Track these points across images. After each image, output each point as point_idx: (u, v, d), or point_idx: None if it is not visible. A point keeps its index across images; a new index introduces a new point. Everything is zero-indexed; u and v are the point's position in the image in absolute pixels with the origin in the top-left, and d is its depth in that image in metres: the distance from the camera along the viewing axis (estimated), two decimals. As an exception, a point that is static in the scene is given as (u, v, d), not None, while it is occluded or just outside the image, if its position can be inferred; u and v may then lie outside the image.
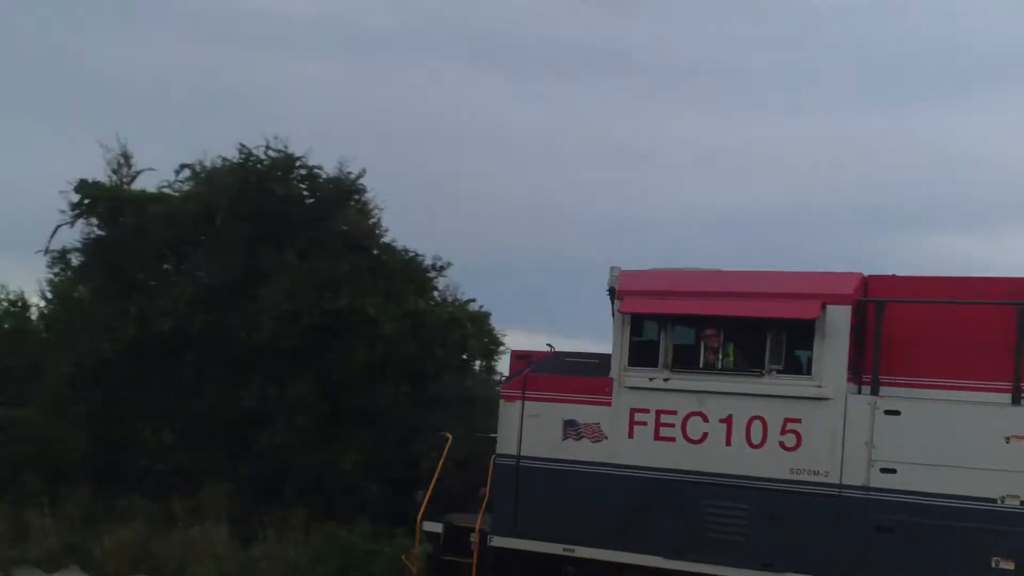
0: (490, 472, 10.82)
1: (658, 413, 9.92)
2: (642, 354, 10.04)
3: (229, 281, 15.23)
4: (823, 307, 9.32)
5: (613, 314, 10.24)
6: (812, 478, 9.26)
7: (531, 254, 32.03)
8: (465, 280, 17.95)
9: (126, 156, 17.85)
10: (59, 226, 17.39)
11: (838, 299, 9.36)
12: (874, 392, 9.20)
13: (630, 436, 10.00)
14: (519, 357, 11.45)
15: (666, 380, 9.87)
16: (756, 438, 9.50)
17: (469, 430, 12.60)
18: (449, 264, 16.10)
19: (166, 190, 16.97)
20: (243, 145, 16.07)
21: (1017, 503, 8.54)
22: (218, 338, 14.96)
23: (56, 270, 17.71)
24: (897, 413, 9.04)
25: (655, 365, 9.94)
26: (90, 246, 17.12)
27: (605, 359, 10.35)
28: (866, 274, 9.76)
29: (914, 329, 9.36)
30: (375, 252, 15.76)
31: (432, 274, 15.90)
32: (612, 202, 34.17)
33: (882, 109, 32.81)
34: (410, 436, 14.26)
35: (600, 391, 10.18)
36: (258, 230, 15.44)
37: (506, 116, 35.20)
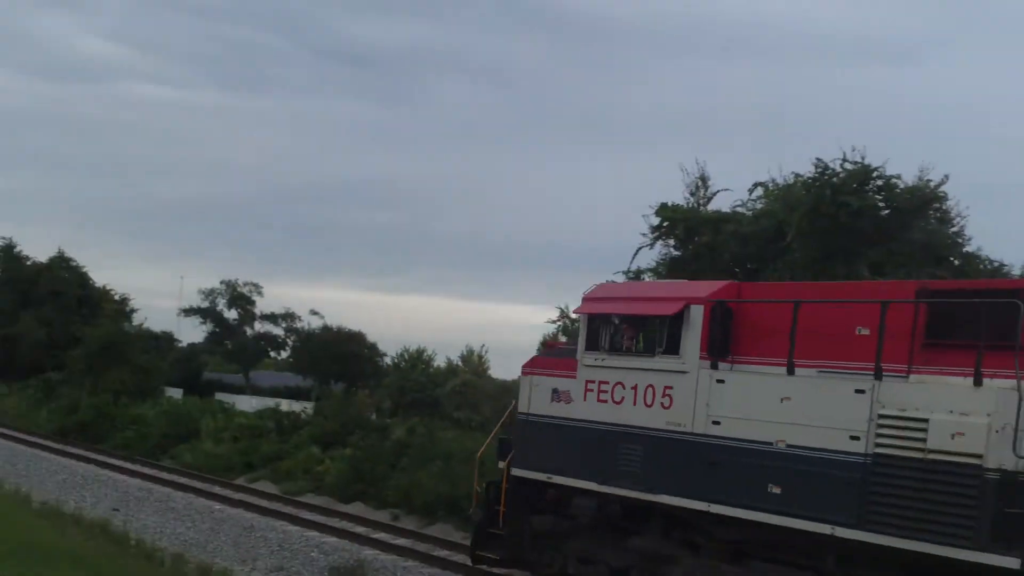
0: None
1: (600, 383, 14.10)
2: (593, 342, 14.30)
3: None
4: (686, 307, 13.06)
5: None
6: (678, 428, 12.99)
7: None
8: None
9: (703, 179, 18.16)
10: (640, 248, 17.67)
11: (696, 301, 13.04)
12: (712, 367, 12.77)
13: (584, 400, 14.26)
14: (546, 346, 16.05)
15: (603, 361, 14.06)
16: (649, 400, 13.40)
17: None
18: None
19: (739, 209, 17.09)
20: (819, 160, 15.46)
21: (784, 445, 11.79)
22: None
23: None
24: (722, 382, 12.57)
25: (599, 350, 14.17)
26: (665, 266, 17.43)
27: (584, 347, 14.69)
28: (741, 283, 13.27)
29: (754, 320, 12.79)
30: (956, 262, 14.64)
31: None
32: None
33: None
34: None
35: (571, 368, 14.54)
36: (828, 243, 14.84)
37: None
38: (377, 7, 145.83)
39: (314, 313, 64.79)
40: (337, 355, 52.75)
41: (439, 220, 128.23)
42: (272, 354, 66.09)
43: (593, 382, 14.19)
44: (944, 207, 14.95)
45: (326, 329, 56.87)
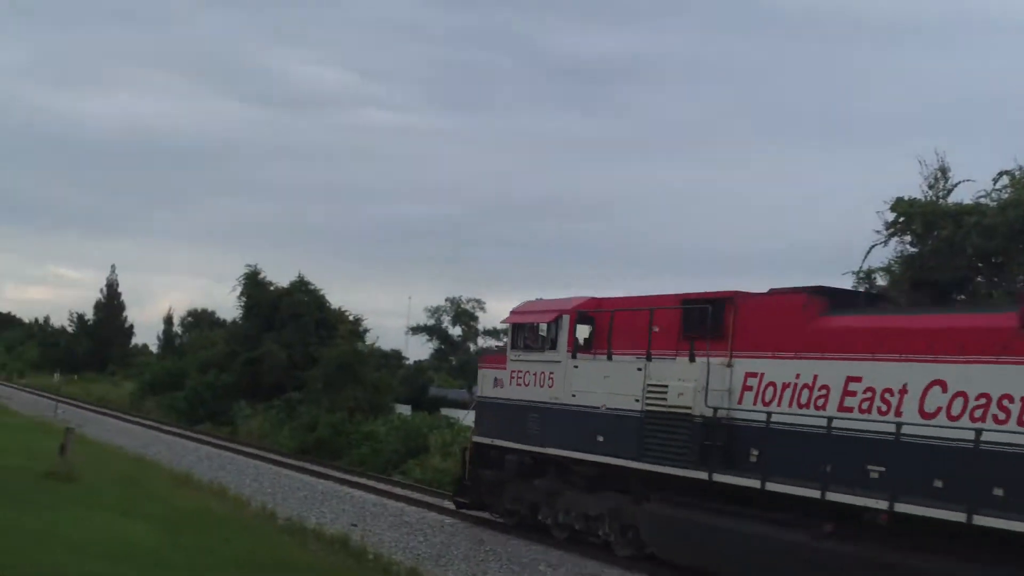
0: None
1: (518, 372, 19.91)
2: (514, 343, 20.13)
3: None
4: (559, 316, 18.74)
5: None
6: (556, 401, 18.64)
7: None
8: None
9: (943, 170, 17.08)
10: (873, 246, 16.98)
11: (565, 311, 18.71)
12: (572, 357, 18.37)
13: (510, 384, 20.10)
14: (499, 349, 21.94)
15: (519, 356, 19.86)
16: (541, 383, 19.08)
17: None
18: None
19: (983, 200, 15.82)
20: None
21: (605, 408, 17.27)
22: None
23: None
24: (577, 367, 18.17)
25: (517, 348, 19.99)
26: (900, 263, 16.59)
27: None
28: (599, 296, 18.83)
29: (601, 324, 18.33)
30: None
31: None
32: None
33: None
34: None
35: (503, 362, 20.43)
36: None
37: None
38: (587, 18, 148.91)
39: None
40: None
41: (655, 230, 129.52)
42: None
43: (515, 372, 20.03)
44: None
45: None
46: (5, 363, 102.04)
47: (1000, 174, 15.67)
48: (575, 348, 18.49)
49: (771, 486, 14.09)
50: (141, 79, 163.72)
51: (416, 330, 67.07)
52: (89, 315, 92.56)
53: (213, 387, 48.88)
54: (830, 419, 13.48)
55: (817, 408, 13.97)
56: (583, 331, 18.64)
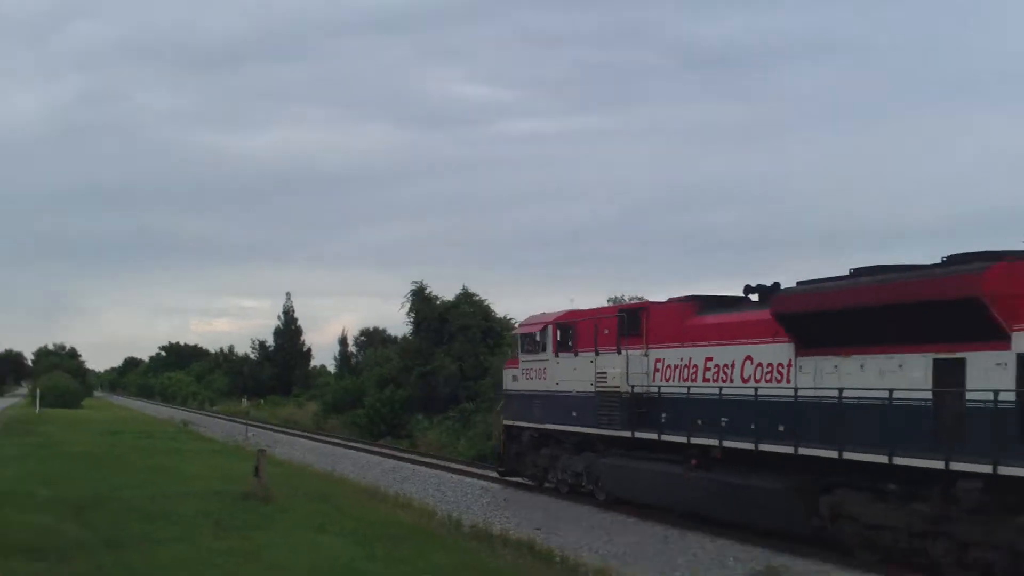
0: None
1: (527, 370, 26.51)
2: (523, 348, 26.74)
3: None
4: (544, 326, 25.26)
5: None
6: (548, 389, 25.14)
7: None
8: None
9: None
10: None
11: (550, 322, 25.22)
12: (555, 356, 24.85)
13: (523, 379, 26.71)
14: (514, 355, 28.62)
15: (525, 358, 26.45)
16: (540, 376, 25.66)
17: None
18: None
19: None
20: None
21: (575, 392, 23.68)
22: None
23: None
24: (559, 363, 24.65)
25: (525, 352, 26.58)
26: None
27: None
28: (574, 309, 25.25)
29: (575, 330, 24.75)
30: None
31: None
32: None
33: None
34: None
35: (517, 364, 27.07)
36: None
37: None
38: (717, 3, 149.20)
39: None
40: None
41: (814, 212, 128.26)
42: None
43: (524, 370, 26.66)
44: None
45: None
46: (197, 392, 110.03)
47: None
48: (557, 349, 24.98)
49: (665, 437, 20.33)
50: (295, 113, 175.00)
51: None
52: (269, 341, 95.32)
53: (391, 402, 50.50)
54: (688, 387, 19.70)
55: (691, 381, 20.11)
56: (563, 336, 25.14)
